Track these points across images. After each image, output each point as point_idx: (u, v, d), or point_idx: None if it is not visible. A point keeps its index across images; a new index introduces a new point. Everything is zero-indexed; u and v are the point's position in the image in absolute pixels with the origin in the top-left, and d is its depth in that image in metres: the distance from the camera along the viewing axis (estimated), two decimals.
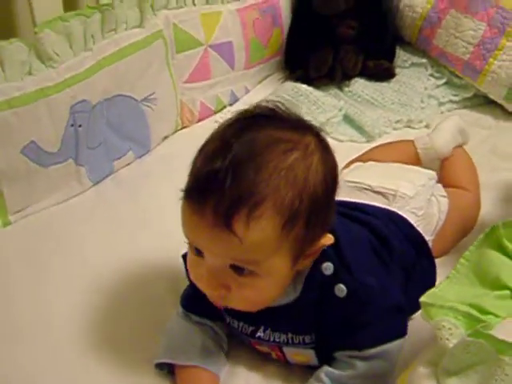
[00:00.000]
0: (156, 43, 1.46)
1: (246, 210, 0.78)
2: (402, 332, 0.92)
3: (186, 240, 0.87)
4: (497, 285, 0.75)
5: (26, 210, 1.33)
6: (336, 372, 0.91)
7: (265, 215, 0.79)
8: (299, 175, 0.81)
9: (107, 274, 1.19)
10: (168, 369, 0.99)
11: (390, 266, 0.97)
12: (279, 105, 0.89)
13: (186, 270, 0.97)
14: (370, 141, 1.54)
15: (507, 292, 0.75)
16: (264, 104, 0.88)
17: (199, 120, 1.61)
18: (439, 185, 1.22)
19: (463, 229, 1.21)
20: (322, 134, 0.89)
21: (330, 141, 1.51)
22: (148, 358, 1.00)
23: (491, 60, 1.61)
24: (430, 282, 1.03)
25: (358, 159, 1.31)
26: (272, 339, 0.95)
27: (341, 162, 1.32)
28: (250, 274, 0.83)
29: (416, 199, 1.10)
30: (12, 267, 1.22)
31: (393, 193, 1.09)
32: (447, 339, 0.65)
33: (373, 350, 0.89)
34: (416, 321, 0.96)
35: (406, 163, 1.28)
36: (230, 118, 0.87)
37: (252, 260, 0.82)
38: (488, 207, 1.32)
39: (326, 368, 0.92)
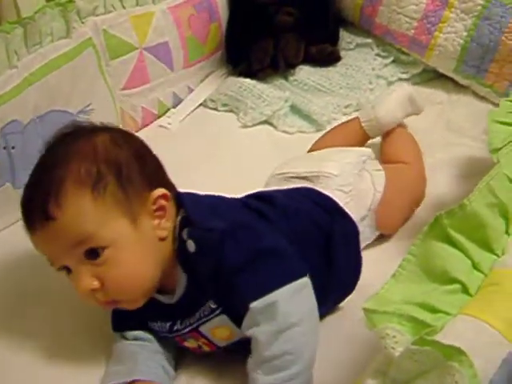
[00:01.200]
0: (86, 52, 1.40)
1: (53, 197, 0.88)
2: (289, 276, 0.87)
3: (54, 268, 0.94)
4: (446, 279, 0.70)
5: None
6: (253, 357, 0.87)
7: (69, 191, 0.88)
8: (85, 151, 0.91)
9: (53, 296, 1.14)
10: None
11: (274, 223, 0.96)
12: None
13: None
14: (321, 129, 1.49)
15: (457, 286, 0.70)
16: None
17: (143, 126, 1.56)
18: (375, 161, 1.21)
19: (408, 201, 1.21)
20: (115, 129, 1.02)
21: (279, 134, 1.52)
22: None
23: (436, 33, 1.57)
24: (354, 243, 1.04)
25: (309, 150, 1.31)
26: (188, 324, 0.95)
27: (292, 153, 1.31)
28: (103, 254, 0.89)
29: (342, 176, 1.11)
30: None
31: (316, 174, 1.11)
32: (392, 348, 0.60)
33: (257, 303, 0.85)
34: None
35: (355, 141, 1.31)
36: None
37: (88, 235, 0.88)
38: (446, 184, 1.30)
39: (249, 360, 0.88)
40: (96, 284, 0.89)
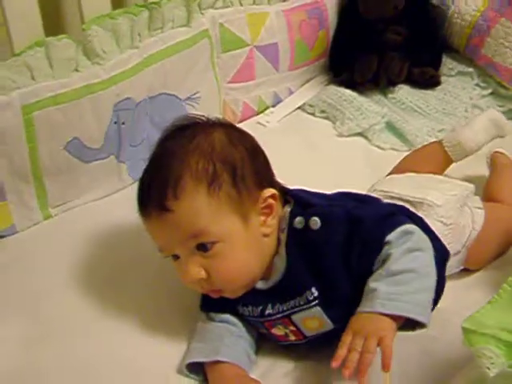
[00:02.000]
0: (202, 42, 1.46)
1: (171, 189, 0.93)
2: (411, 221, 0.97)
3: (161, 255, 0.99)
4: None
5: (67, 204, 1.35)
6: (377, 271, 0.92)
7: (187, 186, 0.93)
8: (204, 147, 0.96)
9: (146, 274, 1.19)
10: (198, 371, 1.01)
11: None
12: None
13: None
14: (412, 149, 1.52)
15: None
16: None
17: (241, 120, 1.61)
18: (477, 197, 1.21)
19: (502, 242, 1.19)
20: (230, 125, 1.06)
21: (372, 148, 1.55)
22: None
23: None
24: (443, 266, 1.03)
25: (392, 172, 1.31)
26: (280, 310, 0.98)
27: (383, 169, 1.34)
28: (213, 248, 0.94)
29: (444, 208, 1.10)
30: (48, 260, 1.24)
31: (420, 201, 1.10)
32: (488, 368, 0.64)
33: (393, 234, 0.93)
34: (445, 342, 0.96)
35: (438, 166, 1.32)
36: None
37: (201, 230, 0.93)
38: None
39: (370, 278, 0.92)
40: (203, 274, 0.95)
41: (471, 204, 1.17)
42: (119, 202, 1.38)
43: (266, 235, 0.98)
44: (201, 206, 0.93)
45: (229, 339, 1.01)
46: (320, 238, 0.95)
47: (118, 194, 1.40)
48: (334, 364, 0.84)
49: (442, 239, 1.05)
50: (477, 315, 0.72)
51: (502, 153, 1.35)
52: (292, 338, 1.01)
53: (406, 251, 0.91)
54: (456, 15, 1.71)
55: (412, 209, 1.08)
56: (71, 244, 1.27)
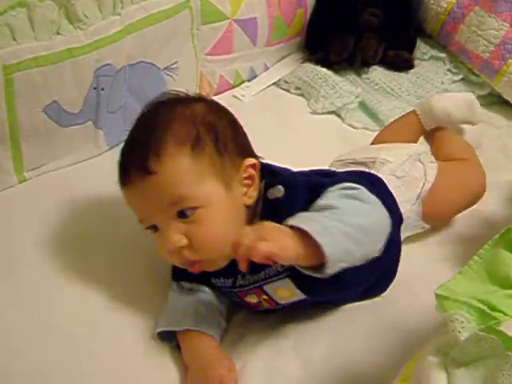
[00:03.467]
0: (183, 13, 1.47)
1: (154, 152, 0.93)
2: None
3: (142, 226, 0.99)
4: (507, 284, 0.77)
5: (42, 168, 1.36)
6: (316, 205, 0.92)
7: (169, 149, 0.94)
8: (186, 114, 0.97)
9: (116, 241, 1.21)
10: (175, 342, 1.03)
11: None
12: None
13: None
14: None
15: None
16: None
17: (217, 93, 1.63)
18: (431, 156, 1.25)
19: (460, 195, 1.23)
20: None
21: (345, 126, 1.58)
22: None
23: (510, 61, 1.61)
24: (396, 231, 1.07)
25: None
26: (251, 281, 1.00)
27: (354, 147, 1.37)
28: (194, 214, 0.94)
29: (396, 163, 1.15)
30: (22, 224, 1.25)
31: (372, 160, 1.15)
32: (459, 331, 0.68)
33: (336, 186, 0.95)
34: (420, 314, 1.00)
35: (412, 133, 1.36)
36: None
37: (183, 194, 0.93)
38: (493, 206, 1.33)
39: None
40: (184, 241, 0.94)
41: (424, 160, 1.21)
42: (95, 168, 1.39)
43: (247, 206, 0.99)
44: (184, 169, 0.94)
45: (199, 308, 1.03)
46: (284, 205, 0.96)
47: (93, 160, 1.41)
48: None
49: (395, 191, 1.10)
50: (448, 284, 0.76)
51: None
52: (265, 305, 1.04)
53: (340, 195, 0.92)
54: (432, 1, 1.74)
55: (365, 169, 1.14)
56: (44, 208, 1.28)
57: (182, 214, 0.94)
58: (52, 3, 1.24)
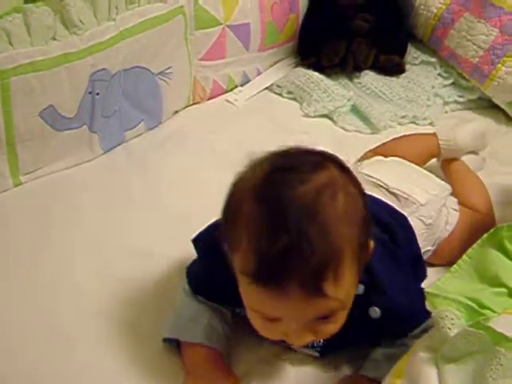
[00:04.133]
0: (176, 18, 1.48)
1: (333, 272, 0.78)
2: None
3: (257, 313, 0.86)
4: (495, 282, 0.79)
5: (37, 171, 1.37)
6: (392, 351, 0.94)
7: (347, 268, 0.80)
8: (352, 212, 0.82)
9: (111, 248, 1.22)
10: (176, 344, 1.02)
11: (403, 264, 1.00)
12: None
13: (200, 254, 1.02)
14: (375, 133, 1.58)
15: (504, 290, 0.79)
16: (274, 150, 0.86)
17: (210, 97, 1.64)
18: (454, 199, 1.25)
19: (468, 246, 1.20)
20: (337, 158, 0.88)
21: (337, 129, 1.60)
22: (157, 334, 1.04)
23: (499, 66, 1.63)
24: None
25: (378, 150, 1.34)
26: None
27: (346, 150, 1.38)
28: (334, 316, 0.85)
29: (427, 207, 1.13)
30: (17, 228, 1.26)
31: (406, 196, 1.12)
32: (449, 328, 0.70)
33: (417, 330, 0.95)
34: None
35: (426, 155, 1.35)
36: (250, 171, 0.84)
37: (336, 308, 0.84)
38: None
39: (382, 350, 0.97)
40: (311, 338, 0.87)
41: (448, 204, 1.21)
42: (89, 172, 1.41)
43: None
44: (351, 287, 0.83)
45: (213, 322, 1.01)
46: (370, 323, 0.93)
47: (88, 164, 1.43)
48: None
49: (419, 238, 1.09)
50: (438, 283, 0.78)
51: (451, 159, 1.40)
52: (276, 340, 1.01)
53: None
54: (422, 7, 1.76)
55: (397, 202, 1.11)
56: (40, 212, 1.30)
57: (322, 317, 0.85)
58: (48, 9, 1.26)
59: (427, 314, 0.91)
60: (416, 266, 1.06)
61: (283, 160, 0.84)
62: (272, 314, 0.84)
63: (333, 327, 0.86)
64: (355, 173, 1.08)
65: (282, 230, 0.77)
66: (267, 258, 0.77)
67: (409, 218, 1.08)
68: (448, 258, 1.14)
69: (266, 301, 0.81)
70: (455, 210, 1.21)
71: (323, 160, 0.84)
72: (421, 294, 0.88)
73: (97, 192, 1.36)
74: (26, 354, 1.03)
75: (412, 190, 1.13)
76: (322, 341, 0.97)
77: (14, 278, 1.15)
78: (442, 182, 1.25)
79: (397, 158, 1.27)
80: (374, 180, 1.14)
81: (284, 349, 1.03)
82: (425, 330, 0.91)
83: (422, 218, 1.12)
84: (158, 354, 1.03)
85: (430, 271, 1.12)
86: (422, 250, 1.11)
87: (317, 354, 1.00)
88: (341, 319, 0.86)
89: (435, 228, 1.15)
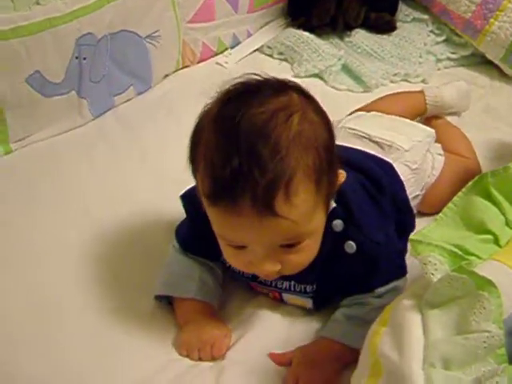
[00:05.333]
0: None
1: (283, 190, 0.80)
2: (405, 270, 0.99)
3: (224, 240, 0.88)
4: (481, 229, 0.79)
5: (28, 139, 1.36)
6: (352, 311, 0.96)
7: (300, 187, 0.81)
8: (309, 134, 0.83)
9: (102, 210, 1.22)
10: (167, 300, 1.03)
11: (383, 207, 1.00)
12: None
13: (187, 210, 1.03)
14: (367, 91, 1.57)
15: (490, 236, 0.79)
16: (237, 80, 0.88)
17: (200, 60, 1.63)
18: (438, 144, 1.25)
19: (456, 190, 1.21)
20: (300, 86, 0.90)
21: (328, 88, 1.59)
22: (147, 291, 1.04)
23: (492, 20, 1.62)
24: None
25: (365, 108, 1.33)
26: (274, 284, 1.00)
27: (338, 109, 1.37)
28: (300, 245, 0.87)
29: (411, 153, 1.14)
30: (8, 196, 1.26)
31: (389, 143, 1.13)
32: (432, 274, 0.69)
33: (382, 289, 0.96)
34: None
35: (412, 113, 1.34)
36: (214, 100, 0.87)
37: (301, 232, 0.85)
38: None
39: (342, 309, 0.97)
40: (279, 267, 0.88)
41: (433, 150, 1.21)
42: (80, 138, 1.40)
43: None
44: (308, 209, 0.83)
45: (204, 276, 1.02)
46: (345, 259, 0.94)
47: (78, 130, 1.42)
48: None
49: (406, 183, 1.10)
50: (424, 231, 0.78)
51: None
52: (270, 296, 1.04)
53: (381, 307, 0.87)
54: None
55: (380, 150, 1.12)
56: (31, 179, 1.29)
57: (286, 246, 0.86)
58: None
59: (401, 271, 0.96)
60: (404, 214, 1.06)
61: (244, 86, 0.86)
62: (234, 239, 0.86)
63: (300, 258, 0.88)
64: (337, 128, 1.13)
65: (234, 151, 0.79)
66: (220, 178, 0.80)
67: (394, 165, 1.09)
68: (437, 205, 1.12)
69: (226, 223, 0.83)
70: (440, 154, 1.22)
71: (285, 87, 0.87)
72: (398, 246, 0.95)
73: (87, 158, 1.35)
74: (15, 320, 1.02)
75: (395, 137, 1.14)
76: (314, 287, 0.98)
77: (2, 244, 1.15)
78: (427, 128, 1.26)
79: (378, 113, 1.27)
80: (356, 132, 1.15)
81: (276, 302, 1.03)
82: (392, 291, 0.95)
83: (408, 164, 1.12)
84: (150, 312, 1.03)
85: (420, 221, 1.12)
86: (412, 195, 1.12)
87: (310, 304, 1.01)
88: (309, 250, 0.88)
89: (422, 173, 1.16)
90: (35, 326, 1.01)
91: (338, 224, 0.93)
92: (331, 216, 0.92)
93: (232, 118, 0.81)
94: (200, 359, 0.96)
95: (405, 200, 1.08)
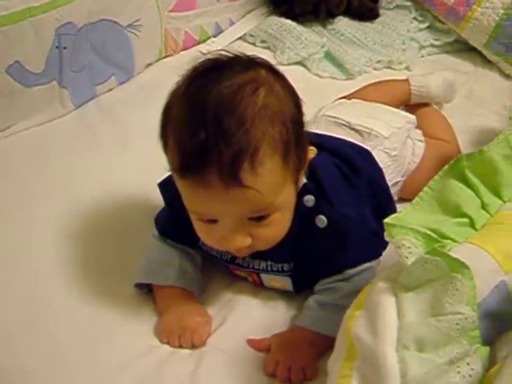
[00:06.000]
0: None
1: (248, 161, 0.81)
2: (378, 252, 0.99)
3: (195, 215, 0.90)
4: (457, 212, 0.79)
5: (9, 129, 1.36)
6: (324, 298, 0.96)
7: (265, 158, 0.82)
8: (275, 107, 0.85)
9: (86, 199, 1.22)
10: (147, 288, 1.03)
11: (358, 189, 1.01)
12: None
13: (165, 197, 1.03)
14: (350, 78, 1.58)
15: (466, 220, 0.80)
16: (207, 56, 0.91)
17: (183, 49, 1.63)
18: (419, 130, 1.25)
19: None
20: (269, 63, 0.92)
21: (311, 76, 1.59)
22: (128, 280, 1.04)
23: (475, 7, 1.62)
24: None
25: (349, 97, 1.33)
26: (251, 266, 1.00)
27: (321, 96, 1.38)
28: (269, 218, 0.88)
29: (390, 140, 1.14)
30: None
31: (368, 131, 1.13)
32: (406, 257, 0.70)
33: (353, 270, 0.96)
34: None
35: (396, 102, 1.34)
36: (183, 77, 0.89)
37: (269, 204, 0.86)
38: (463, 150, 1.32)
39: (315, 296, 0.97)
40: (249, 242, 0.89)
41: (413, 136, 1.21)
42: (61, 128, 1.40)
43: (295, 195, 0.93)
44: (274, 181, 0.85)
45: (183, 263, 1.02)
46: (317, 235, 0.94)
47: (60, 120, 1.42)
48: None
49: (385, 170, 1.10)
50: (399, 215, 0.78)
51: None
52: (250, 280, 1.04)
53: (353, 291, 0.88)
54: None
55: (360, 137, 1.12)
56: (15, 169, 1.29)
57: (255, 219, 0.87)
58: None
59: (373, 252, 0.97)
60: (383, 200, 1.07)
61: (213, 63, 0.88)
62: (204, 212, 0.87)
63: (270, 231, 0.89)
64: (318, 116, 1.15)
65: (201, 124, 0.81)
66: (188, 152, 0.82)
67: (373, 152, 1.09)
68: (418, 191, 1.14)
69: (195, 196, 0.85)
70: (421, 141, 1.22)
71: (254, 63, 0.89)
72: (373, 227, 0.95)
73: (69, 148, 1.35)
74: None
75: (374, 124, 1.14)
76: (291, 265, 0.98)
77: None
78: (408, 114, 1.26)
79: (359, 100, 1.27)
80: (336, 120, 1.15)
81: (257, 288, 1.04)
82: (364, 273, 0.95)
83: (387, 151, 1.13)
84: (130, 300, 1.03)
85: (400, 207, 1.11)
86: (392, 182, 1.13)
87: (289, 284, 1.01)
88: (279, 224, 0.89)
89: (402, 159, 1.16)
90: (22, 316, 1.02)
91: (309, 199, 0.93)
92: (302, 192, 0.93)
93: (199, 93, 0.83)
94: (180, 346, 0.97)
95: (383, 186, 1.08)
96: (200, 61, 0.89)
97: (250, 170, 0.81)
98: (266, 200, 0.85)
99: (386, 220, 0.74)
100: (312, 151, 0.93)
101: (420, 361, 0.64)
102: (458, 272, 0.66)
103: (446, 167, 0.82)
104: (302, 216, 0.93)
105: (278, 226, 0.90)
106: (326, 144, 1.02)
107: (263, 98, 0.84)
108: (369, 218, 0.99)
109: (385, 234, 0.74)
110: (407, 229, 0.72)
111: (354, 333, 0.68)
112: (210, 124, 0.80)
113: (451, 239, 0.75)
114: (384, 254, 1.02)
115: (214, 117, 0.81)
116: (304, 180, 0.94)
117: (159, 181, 1.02)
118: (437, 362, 0.63)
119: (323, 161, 0.98)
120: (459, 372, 0.59)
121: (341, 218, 0.94)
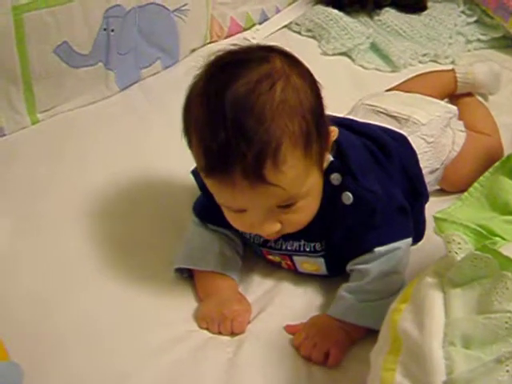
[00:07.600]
0: None
1: (271, 160, 0.83)
2: (407, 232, 0.99)
3: (224, 207, 0.92)
4: (506, 210, 0.78)
5: (54, 109, 1.37)
6: (353, 284, 0.96)
7: (287, 154, 0.84)
8: (293, 101, 0.85)
9: (125, 180, 1.23)
10: (188, 274, 1.04)
11: (388, 170, 1.01)
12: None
13: (198, 184, 1.03)
14: (395, 71, 1.56)
15: None
16: (220, 50, 0.91)
17: (228, 36, 1.63)
18: (460, 122, 1.24)
19: (479, 169, 1.18)
20: (284, 50, 0.92)
21: (356, 67, 1.58)
22: (168, 265, 1.05)
23: None
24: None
25: (394, 88, 1.32)
26: (284, 247, 1.00)
27: (365, 88, 1.38)
28: (296, 205, 0.90)
29: (428, 126, 1.13)
30: (34, 164, 1.27)
31: (406, 117, 1.13)
32: (456, 252, 0.69)
33: (382, 248, 0.96)
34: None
35: (442, 92, 1.34)
36: (200, 73, 0.90)
37: (294, 195, 0.88)
38: (506, 148, 1.31)
39: (344, 284, 0.97)
40: (278, 227, 0.91)
41: (454, 126, 1.20)
42: (105, 110, 1.41)
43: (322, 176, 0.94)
44: (298, 174, 0.86)
45: (224, 249, 1.03)
46: (344, 212, 0.95)
47: (104, 102, 1.43)
48: None
49: (422, 156, 1.10)
50: (449, 210, 0.77)
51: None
52: (284, 266, 1.04)
53: (384, 274, 0.95)
54: None
55: (397, 124, 1.12)
56: (57, 149, 1.31)
57: (282, 207, 0.89)
58: None
59: (403, 231, 0.97)
60: (415, 184, 1.06)
61: (228, 57, 0.89)
62: (234, 205, 0.90)
63: (298, 217, 0.92)
64: (356, 105, 1.16)
65: (221, 125, 0.82)
66: (210, 152, 0.84)
67: (410, 138, 1.09)
68: (458, 182, 1.17)
69: (222, 193, 0.88)
70: (462, 131, 1.22)
71: (268, 54, 0.88)
72: (402, 204, 0.97)
73: (112, 129, 1.36)
74: (31, 279, 1.04)
75: (412, 112, 1.14)
76: (323, 244, 0.98)
77: (21, 212, 1.17)
78: (448, 105, 1.26)
79: (399, 92, 1.27)
80: (374, 107, 1.16)
81: (296, 277, 1.04)
82: (392, 253, 0.95)
83: (424, 137, 1.12)
84: (171, 284, 1.04)
85: (443, 200, 1.13)
86: (429, 168, 1.12)
87: (323, 266, 1.01)
88: (307, 209, 0.92)
89: (440, 147, 1.15)
90: (57, 287, 1.03)
91: (335, 177, 0.95)
92: (329, 170, 0.95)
93: (217, 92, 0.84)
94: (219, 333, 0.97)
95: (416, 171, 1.08)
96: (215, 55, 0.90)
97: (274, 169, 0.83)
98: (291, 192, 0.87)
99: (437, 215, 0.74)
100: (334, 132, 0.93)
101: (466, 358, 0.63)
102: (509, 270, 0.65)
103: (497, 164, 0.81)
104: (330, 194, 0.95)
105: (306, 211, 0.92)
106: (358, 127, 1.04)
107: (280, 92, 0.84)
108: (397, 196, 0.99)
109: (434, 228, 0.73)
110: (457, 224, 0.72)
111: (399, 326, 0.68)
112: (229, 125, 0.82)
113: (500, 237, 0.74)
114: (426, 248, 1.02)
115: (232, 117, 0.82)
116: (330, 158, 0.95)
117: (192, 168, 1.01)
118: (483, 360, 0.62)
119: (350, 139, 0.99)
120: (508, 371, 0.59)
121: (366, 193, 0.94)
